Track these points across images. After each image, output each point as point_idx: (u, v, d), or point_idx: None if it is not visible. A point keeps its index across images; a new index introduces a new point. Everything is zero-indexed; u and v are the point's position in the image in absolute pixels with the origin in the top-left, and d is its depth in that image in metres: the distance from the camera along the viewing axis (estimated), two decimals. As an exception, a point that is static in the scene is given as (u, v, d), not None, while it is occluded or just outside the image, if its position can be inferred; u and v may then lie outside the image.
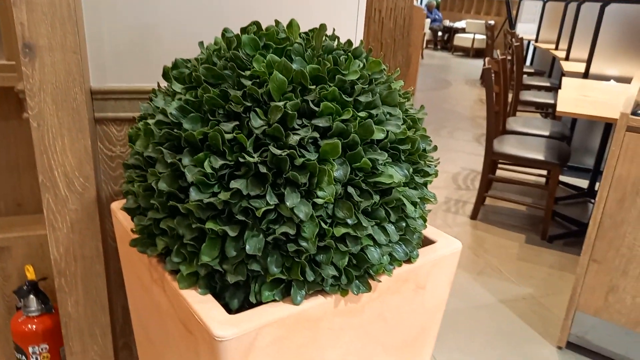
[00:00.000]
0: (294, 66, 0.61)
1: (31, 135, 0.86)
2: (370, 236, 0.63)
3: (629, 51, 3.19)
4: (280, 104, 0.58)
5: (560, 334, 1.89)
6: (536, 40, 5.94)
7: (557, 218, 3.01)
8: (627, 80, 3.19)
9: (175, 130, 0.61)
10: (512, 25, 6.89)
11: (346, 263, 0.62)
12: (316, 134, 0.59)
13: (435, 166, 0.71)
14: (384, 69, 0.69)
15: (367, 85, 0.64)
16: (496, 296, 2.20)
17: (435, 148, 0.72)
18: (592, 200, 3.32)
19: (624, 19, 3.30)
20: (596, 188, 3.33)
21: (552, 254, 2.60)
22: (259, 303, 0.61)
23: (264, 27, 0.71)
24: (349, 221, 0.60)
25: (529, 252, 2.62)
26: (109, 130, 0.98)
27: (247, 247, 0.58)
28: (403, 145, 0.65)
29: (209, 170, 0.58)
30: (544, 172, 3.58)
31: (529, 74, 5.36)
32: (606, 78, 3.34)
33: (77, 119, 0.89)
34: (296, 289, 0.61)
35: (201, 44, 0.74)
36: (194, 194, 0.58)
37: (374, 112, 0.63)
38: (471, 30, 9.39)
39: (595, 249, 1.72)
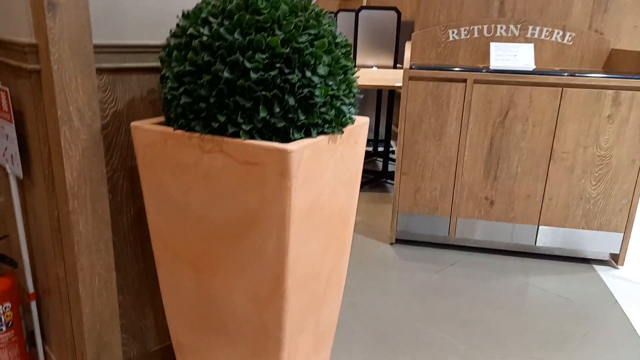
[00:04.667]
0: (288, 1, 1.06)
1: None
2: (342, 99, 1.12)
3: (381, 45, 4.25)
4: (291, 20, 1.02)
5: (390, 234, 2.61)
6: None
7: (359, 172, 3.84)
8: (383, 66, 4.23)
9: (228, 41, 0.99)
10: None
11: (334, 114, 1.09)
12: (311, 37, 1.05)
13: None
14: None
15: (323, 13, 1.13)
16: (341, 222, 2.84)
17: (351, 57, 1.23)
18: (379, 159, 4.30)
19: (374, 21, 4.35)
20: (379, 149, 4.32)
21: (365, 195, 3.39)
22: (292, 141, 1.04)
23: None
24: (334, 87, 1.08)
25: (349, 196, 3.33)
26: (92, 78, 1.22)
27: (290, 102, 1.00)
28: (345, 48, 1.15)
29: (260, 59, 0.98)
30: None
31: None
32: (369, 66, 4.36)
33: (87, 63, 1.13)
34: (313, 129, 1.06)
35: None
36: (253, 75, 0.98)
37: (333, 28, 1.11)
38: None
39: (403, 165, 2.47)
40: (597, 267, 2.45)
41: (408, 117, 2.41)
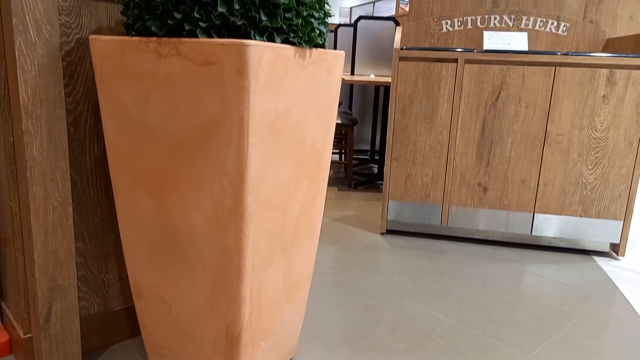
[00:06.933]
0: None
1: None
2: (310, 10, 1.06)
3: (379, 56, 4.26)
4: None
5: (381, 223, 2.51)
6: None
7: (355, 176, 3.78)
8: (382, 76, 4.23)
9: None
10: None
11: (301, 22, 1.03)
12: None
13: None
14: None
15: None
16: (331, 218, 2.76)
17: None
18: (374, 165, 4.23)
19: (372, 32, 4.37)
20: (375, 157, 4.26)
21: (358, 194, 3.30)
22: (255, 45, 0.98)
23: None
24: (301, -6, 1.03)
25: (343, 195, 3.27)
26: None
27: (251, -2, 0.95)
28: (317, -36, 1.11)
29: (219, -47, 0.94)
30: (336, 151, 4.39)
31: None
32: (367, 75, 4.35)
33: (47, -26, 1.09)
34: (277, 35, 1.00)
35: None
36: (212, -33, 0.93)
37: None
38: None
39: (394, 150, 2.40)
40: (597, 258, 2.33)
41: (399, 99, 2.36)
